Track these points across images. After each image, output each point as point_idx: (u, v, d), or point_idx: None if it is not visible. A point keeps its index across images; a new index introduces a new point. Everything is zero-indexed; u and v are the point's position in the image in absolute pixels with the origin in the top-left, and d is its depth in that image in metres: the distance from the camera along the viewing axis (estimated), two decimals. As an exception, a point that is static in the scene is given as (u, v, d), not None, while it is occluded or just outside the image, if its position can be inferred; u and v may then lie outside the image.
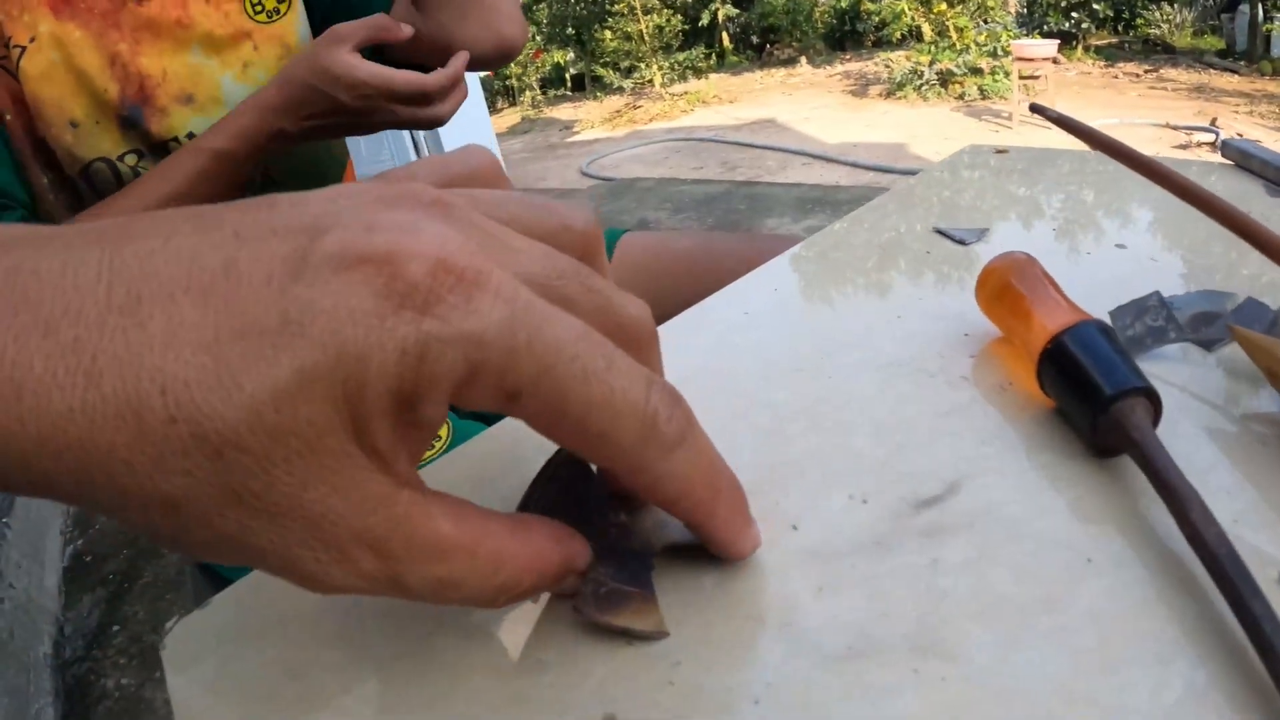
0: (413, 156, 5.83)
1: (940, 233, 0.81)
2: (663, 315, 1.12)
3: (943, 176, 1.04)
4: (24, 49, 0.91)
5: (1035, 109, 0.65)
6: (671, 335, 0.61)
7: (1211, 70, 11.98)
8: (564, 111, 16.26)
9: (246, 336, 0.22)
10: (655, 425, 0.27)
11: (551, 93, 19.48)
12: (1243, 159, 1.12)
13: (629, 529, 0.35)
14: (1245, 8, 12.92)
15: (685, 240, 1.22)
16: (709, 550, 0.34)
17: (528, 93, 18.91)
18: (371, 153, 5.71)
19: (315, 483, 0.23)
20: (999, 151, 1.20)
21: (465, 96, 1.05)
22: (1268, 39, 12.50)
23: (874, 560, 0.35)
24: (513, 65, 19.20)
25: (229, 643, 0.38)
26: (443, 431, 0.97)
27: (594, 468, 0.37)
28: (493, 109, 16.50)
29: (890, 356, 0.52)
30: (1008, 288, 0.48)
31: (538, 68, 19.52)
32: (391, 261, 0.23)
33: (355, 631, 0.37)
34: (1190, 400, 0.44)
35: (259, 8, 1.02)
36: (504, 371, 0.24)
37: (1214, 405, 0.43)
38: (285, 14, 1.04)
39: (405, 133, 5.81)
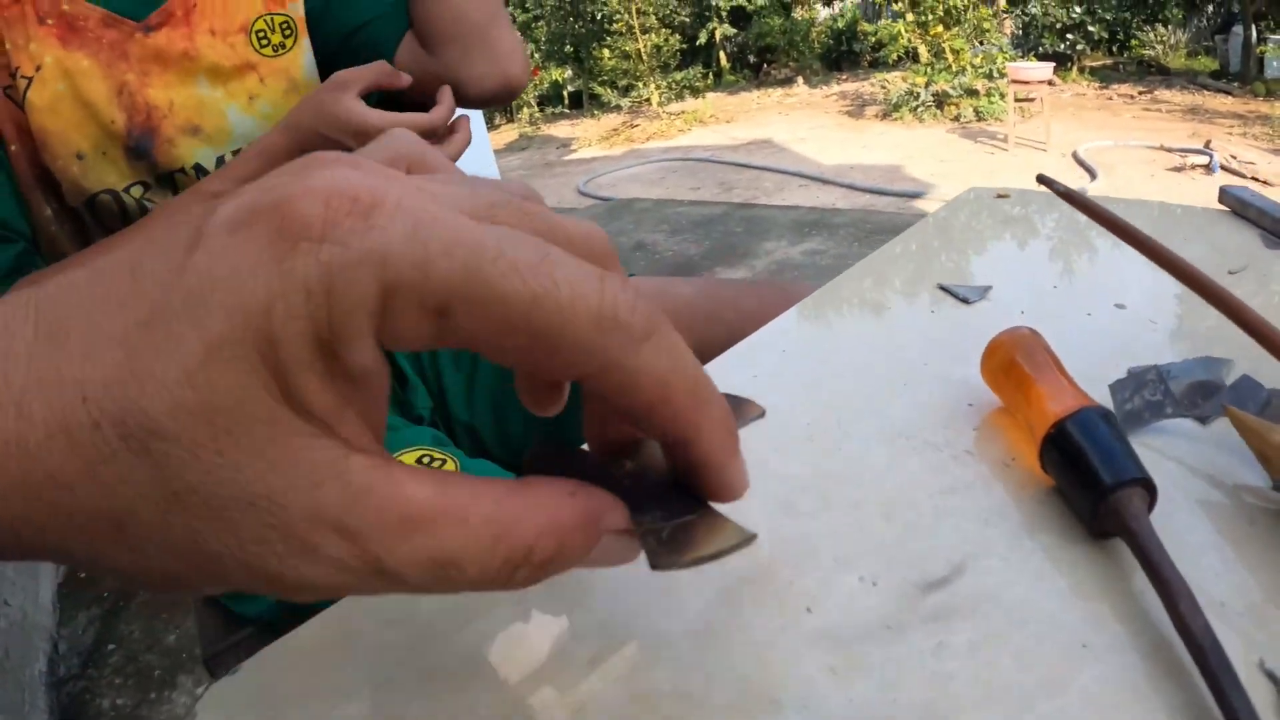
0: None
1: (944, 289, 0.83)
2: None
3: (946, 222, 1.07)
4: (30, 79, 0.91)
5: (1042, 180, 0.67)
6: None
7: (1205, 91, 12.05)
8: (561, 129, 16.31)
9: (153, 323, 0.21)
10: (616, 314, 0.24)
11: (549, 110, 19.55)
12: (1240, 206, 1.14)
13: (642, 469, 0.32)
14: (1239, 29, 13.00)
15: (687, 288, 1.23)
16: (698, 488, 0.29)
17: (526, 110, 18.97)
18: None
19: (250, 460, 0.22)
20: (1000, 195, 1.23)
21: (469, 140, 1.07)
22: (1261, 60, 12.59)
23: (885, 644, 0.37)
24: (511, 82, 19.25)
25: (261, 709, 0.39)
26: (451, 465, 0.98)
27: (582, 448, 0.34)
28: (491, 125, 16.52)
29: (898, 427, 0.54)
30: (1013, 365, 0.51)
31: (536, 85, 19.59)
32: (281, 207, 0.22)
33: (389, 698, 0.38)
34: (1185, 475, 0.46)
35: (265, 41, 1.04)
36: (422, 285, 0.22)
37: (1208, 481, 0.45)
38: (290, 49, 1.06)
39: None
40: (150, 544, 0.22)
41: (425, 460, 0.97)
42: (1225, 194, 1.15)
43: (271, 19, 1.04)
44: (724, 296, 1.20)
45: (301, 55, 1.07)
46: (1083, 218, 1.07)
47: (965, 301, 0.81)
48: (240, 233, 0.22)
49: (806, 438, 0.54)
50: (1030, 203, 1.20)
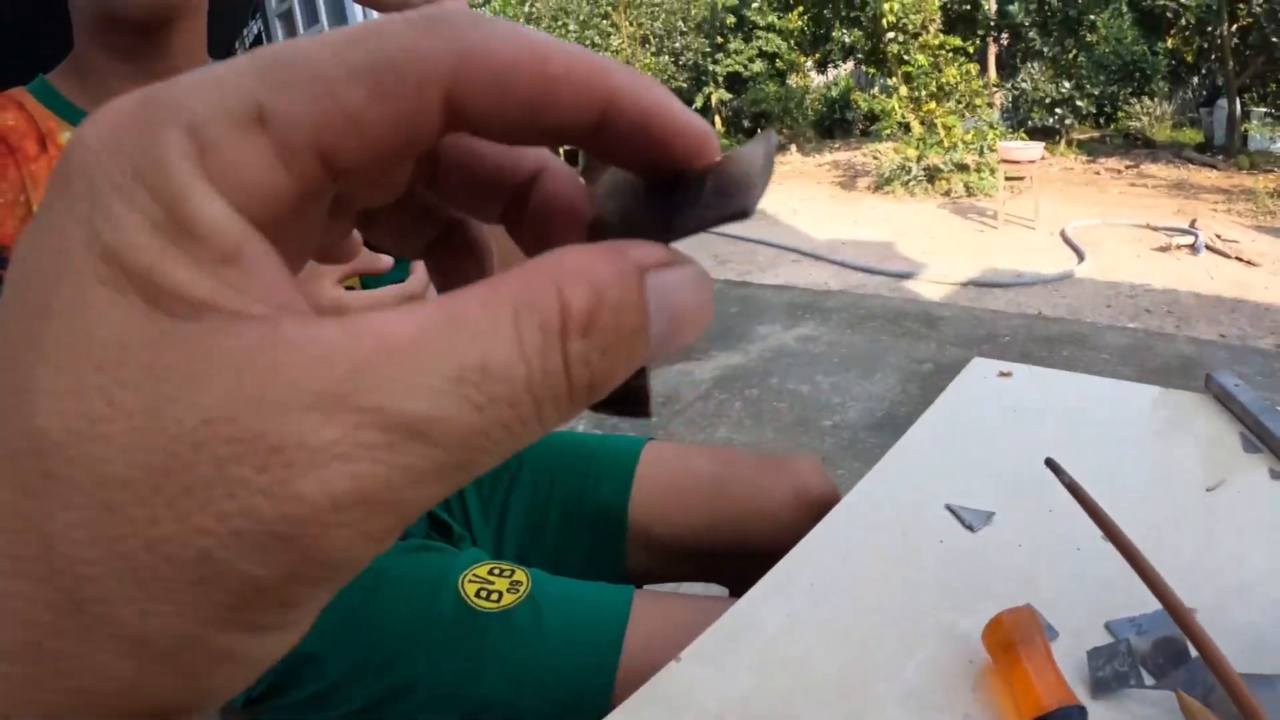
0: None
1: (950, 510, 0.90)
2: (682, 525, 1.22)
3: (954, 412, 1.15)
4: None
5: (1050, 465, 0.73)
6: (711, 653, 0.70)
7: (1190, 165, 12.26)
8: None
9: None
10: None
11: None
12: (1225, 397, 1.20)
13: (622, 209, 0.26)
14: (1223, 102, 13.26)
15: (702, 459, 1.29)
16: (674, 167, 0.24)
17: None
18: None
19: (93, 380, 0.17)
20: (1003, 374, 1.30)
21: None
22: (1245, 133, 12.84)
23: None
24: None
25: None
26: (521, 576, 1.02)
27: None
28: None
29: (907, 685, 0.64)
30: (1011, 647, 0.62)
31: (532, 142, 19.85)
32: None
33: None
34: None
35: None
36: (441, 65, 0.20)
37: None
38: None
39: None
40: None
41: (497, 573, 1.00)
42: (1211, 381, 1.21)
43: None
44: (738, 474, 1.26)
45: None
46: (1084, 402, 1.14)
47: (970, 529, 0.89)
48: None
49: (825, 704, 0.63)
50: (1031, 383, 1.27)
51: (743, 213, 0.22)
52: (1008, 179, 8.61)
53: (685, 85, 18.12)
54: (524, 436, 0.19)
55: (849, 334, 5.07)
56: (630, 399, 0.23)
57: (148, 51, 0.99)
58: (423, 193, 0.27)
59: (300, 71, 0.19)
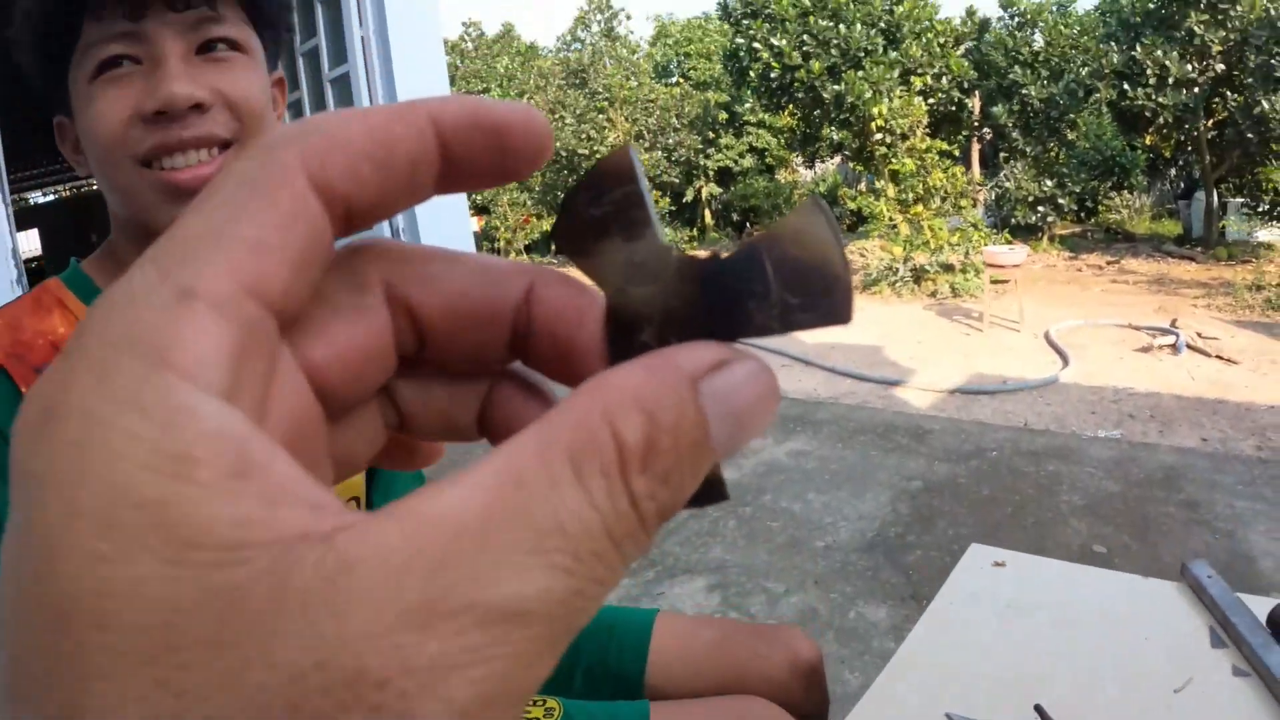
0: None
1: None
2: (692, 688, 1.36)
3: (952, 599, 1.26)
4: None
5: (1038, 710, 0.85)
6: None
7: (1170, 259, 12.50)
8: (548, 277, 16.66)
9: None
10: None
11: (535, 257, 20.01)
12: (1198, 587, 1.30)
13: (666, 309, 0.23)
14: (1201, 195, 13.56)
15: (709, 630, 1.41)
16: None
17: (514, 255, 19.43)
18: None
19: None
20: (997, 564, 1.42)
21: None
22: (1223, 227, 13.11)
23: None
24: (501, 228, 19.85)
25: None
26: (554, 704, 1.12)
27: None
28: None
29: None
30: None
31: (526, 233, 20.10)
32: None
33: None
34: None
35: None
36: None
37: None
38: None
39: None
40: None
41: (532, 701, 1.07)
42: (1186, 571, 1.31)
43: None
44: (738, 642, 1.38)
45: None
46: (1072, 588, 1.25)
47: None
48: None
49: None
50: (1022, 572, 1.39)
51: (840, 319, 0.20)
52: (993, 281, 8.78)
53: (677, 179, 18.44)
54: (615, 579, 0.18)
55: (840, 448, 5.18)
56: (704, 492, 0.21)
57: None
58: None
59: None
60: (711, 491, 0.21)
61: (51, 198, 17.87)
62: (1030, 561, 1.43)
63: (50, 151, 12.90)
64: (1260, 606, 1.15)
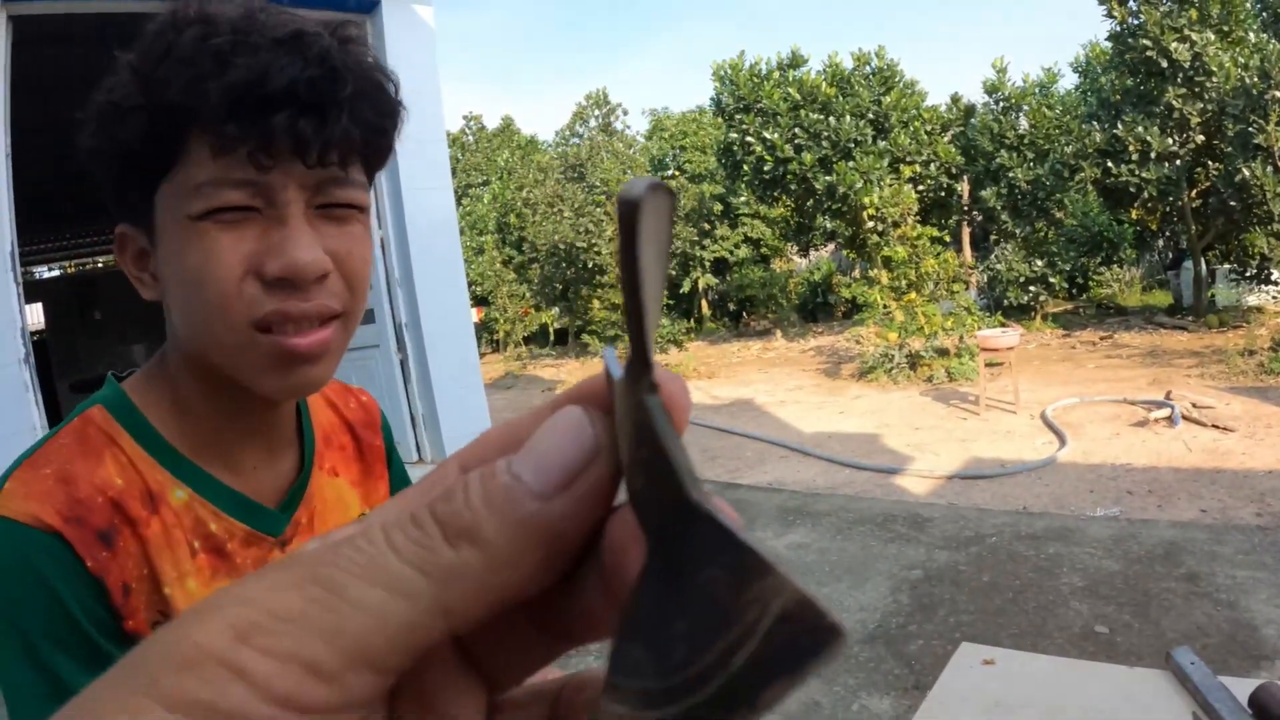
0: (399, 386, 6.10)
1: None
2: None
3: (943, 701, 1.31)
4: None
5: None
6: None
7: (1162, 330, 12.60)
8: (546, 370, 16.79)
9: None
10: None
11: (534, 348, 20.17)
12: (1182, 675, 1.34)
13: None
14: (1189, 264, 13.70)
15: None
16: None
17: (513, 346, 19.59)
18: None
19: None
20: (986, 662, 1.47)
21: None
22: (1213, 295, 13.23)
23: None
24: (501, 320, 20.02)
25: None
26: None
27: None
28: (479, 354, 17.15)
29: None
30: None
31: (525, 325, 20.29)
32: None
33: None
34: None
35: None
36: None
37: None
38: None
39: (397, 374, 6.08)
40: None
41: None
42: (1170, 659, 1.35)
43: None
44: None
45: None
46: (1054, 696, 1.29)
47: None
48: None
49: None
50: (1010, 669, 1.43)
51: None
52: (988, 364, 8.86)
53: (674, 271, 18.66)
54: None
55: (840, 540, 5.20)
56: (798, 641, 0.20)
57: (263, 411, 0.91)
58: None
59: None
60: (804, 635, 0.20)
61: (56, 272, 18.03)
62: (1018, 658, 1.48)
63: (55, 225, 13.05)
64: (1244, 688, 1.19)
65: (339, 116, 0.75)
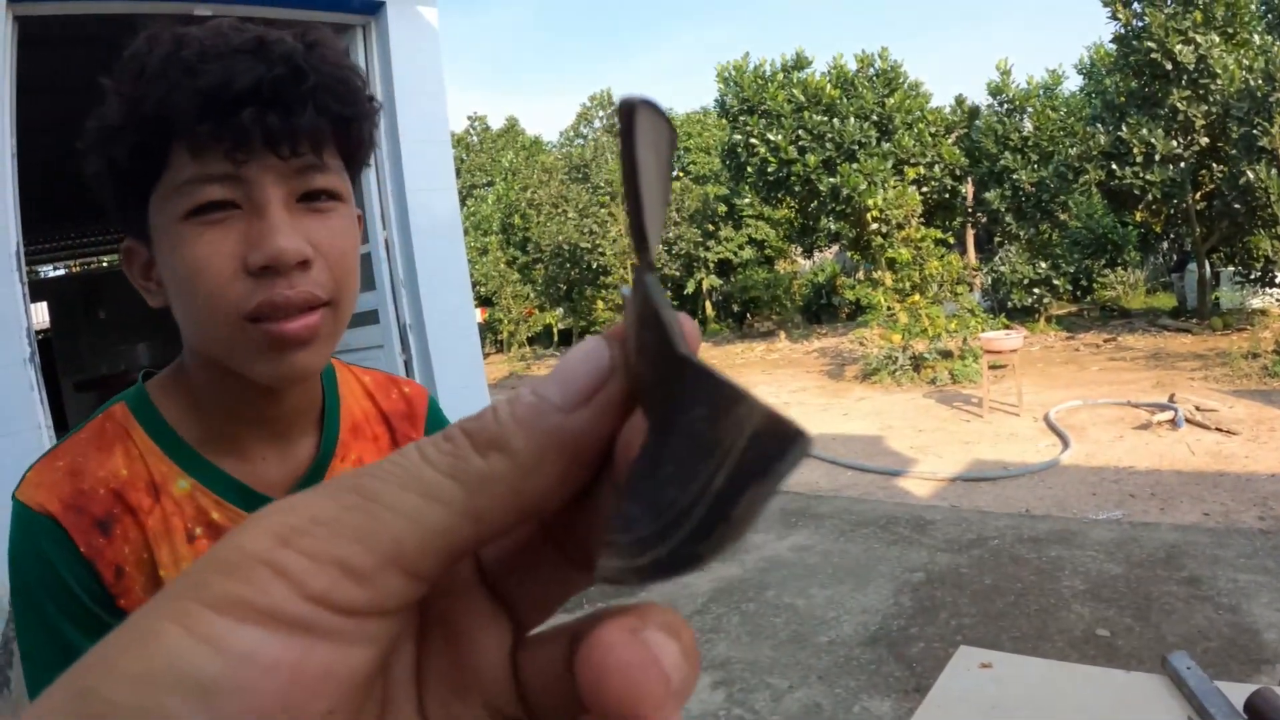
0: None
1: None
2: None
3: (941, 703, 1.31)
4: None
5: None
6: None
7: (1166, 332, 12.59)
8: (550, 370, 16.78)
9: None
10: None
11: (538, 349, 20.16)
12: (1177, 679, 1.35)
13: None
14: (1193, 266, 13.69)
15: None
16: None
17: (516, 346, 19.59)
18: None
19: None
20: (984, 665, 1.48)
21: None
22: (1217, 298, 13.21)
23: None
24: (505, 320, 20.02)
25: None
26: None
27: None
28: (483, 354, 17.16)
29: None
30: None
31: (529, 325, 20.29)
32: None
33: None
34: None
35: None
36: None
37: None
38: None
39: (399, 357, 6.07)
40: None
41: None
42: (1167, 663, 1.36)
43: None
44: None
45: None
46: (1051, 698, 1.30)
47: None
48: None
49: None
50: (1008, 671, 1.44)
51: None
52: (991, 366, 8.86)
53: (678, 272, 18.65)
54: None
55: (842, 542, 5.22)
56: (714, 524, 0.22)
57: (265, 400, 0.94)
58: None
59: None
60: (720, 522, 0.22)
61: (61, 272, 18.06)
62: (1016, 662, 1.49)
63: (60, 224, 13.08)
64: (1239, 693, 1.19)
65: (304, 108, 0.80)
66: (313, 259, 0.84)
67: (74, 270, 17.77)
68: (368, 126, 0.89)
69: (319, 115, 0.81)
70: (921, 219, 12.89)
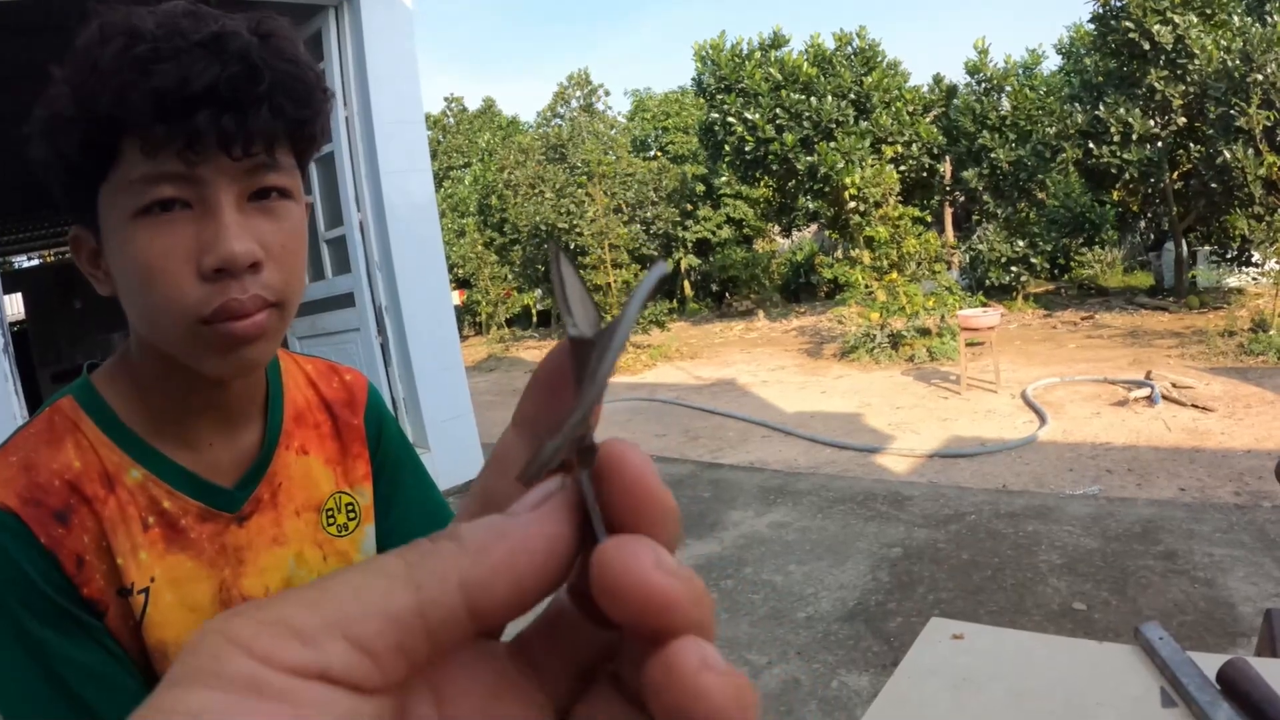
0: (380, 369, 6.05)
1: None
2: None
3: (911, 675, 1.31)
4: (146, 595, 0.90)
5: None
6: None
7: (1143, 311, 12.67)
8: (529, 352, 16.77)
9: None
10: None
11: (517, 330, 20.12)
12: (1150, 650, 1.34)
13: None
14: (1170, 245, 13.78)
15: None
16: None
17: (495, 329, 19.54)
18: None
19: None
20: (955, 637, 1.46)
21: None
22: (1194, 276, 13.31)
23: None
24: (483, 302, 19.96)
25: None
26: None
27: None
28: (461, 337, 17.11)
29: None
30: None
31: (508, 307, 20.23)
32: None
33: None
34: None
35: (331, 520, 1.10)
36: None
37: None
38: (353, 531, 1.12)
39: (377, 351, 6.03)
40: None
41: None
42: (1139, 634, 1.35)
43: (339, 499, 1.10)
44: None
45: (362, 540, 1.12)
46: (1030, 657, 1.28)
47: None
48: None
49: None
50: (979, 643, 1.43)
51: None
52: (969, 343, 8.89)
53: (656, 252, 18.62)
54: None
55: (820, 518, 5.21)
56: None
57: (212, 389, 0.94)
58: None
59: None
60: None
61: (35, 262, 17.92)
62: (988, 633, 1.47)
63: (33, 214, 12.95)
64: (1212, 664, 1.19)
65: (259, 111, 0.80)
66: (263, 261, 0.85)
67: (49, 260, 17.63)
68: (320, 123, 0.90)
69: (274, 118, 0.82)
70: (899, 197, 12.88)
